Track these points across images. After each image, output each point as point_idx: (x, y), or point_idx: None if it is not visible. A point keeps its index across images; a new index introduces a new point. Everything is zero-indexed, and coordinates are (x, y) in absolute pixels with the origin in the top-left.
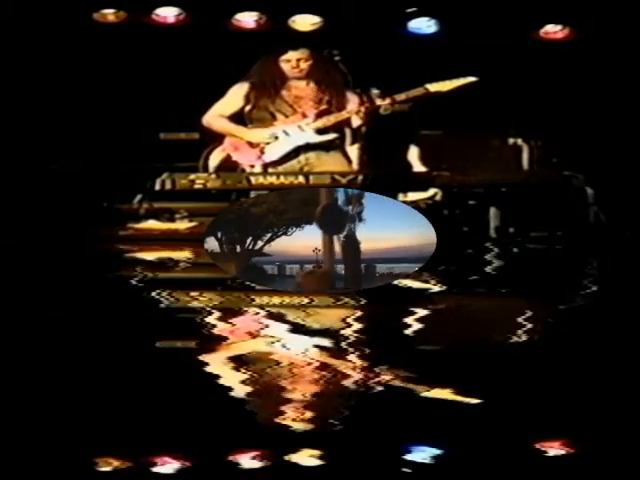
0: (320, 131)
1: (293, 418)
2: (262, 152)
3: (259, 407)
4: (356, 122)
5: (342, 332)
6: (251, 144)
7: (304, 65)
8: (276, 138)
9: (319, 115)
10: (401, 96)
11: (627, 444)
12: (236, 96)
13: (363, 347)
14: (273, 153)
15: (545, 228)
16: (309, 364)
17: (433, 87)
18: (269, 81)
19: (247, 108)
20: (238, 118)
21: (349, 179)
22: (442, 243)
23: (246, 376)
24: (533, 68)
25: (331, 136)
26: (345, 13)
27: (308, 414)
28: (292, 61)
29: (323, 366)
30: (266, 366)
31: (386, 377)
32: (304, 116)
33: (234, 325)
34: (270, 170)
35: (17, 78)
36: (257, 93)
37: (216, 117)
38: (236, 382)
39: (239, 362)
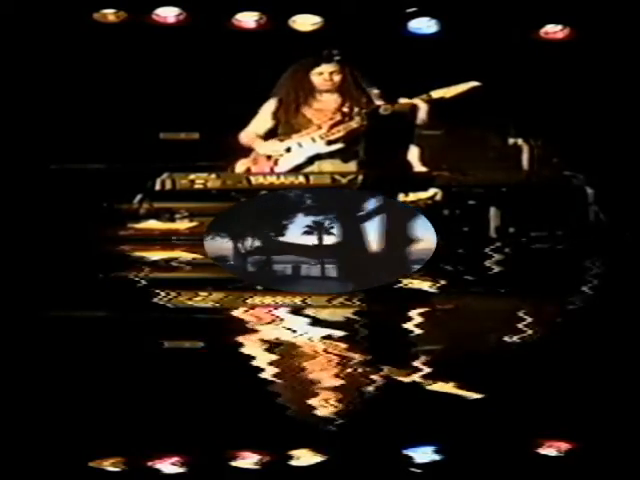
0: (330, 142)
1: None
2: (275, 164)
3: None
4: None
5: (340, 331)
6: (268, 156)
7: (336, 78)
8: (288, 150)
9: (332, 126)
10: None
11: (627, 444)
12: (266, 114)
13: (361, 347)
14: (285, 164)
15: (545, 228)
16: (302, 363)
17: (436, 93)
18: (295, 95)
19: (278, 124)
20: (272, 135)
21: (349, 179)
22: (442, 243)
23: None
24: (533, 68)
25: (338, 146)
26: (345, 13)
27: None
28: (325, 74)
29: (319, 366)
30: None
31: (385, 377)
32: (319, 128)
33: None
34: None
35: (17, 78)
36: (285, 108)
37: (248, 134)
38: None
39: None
